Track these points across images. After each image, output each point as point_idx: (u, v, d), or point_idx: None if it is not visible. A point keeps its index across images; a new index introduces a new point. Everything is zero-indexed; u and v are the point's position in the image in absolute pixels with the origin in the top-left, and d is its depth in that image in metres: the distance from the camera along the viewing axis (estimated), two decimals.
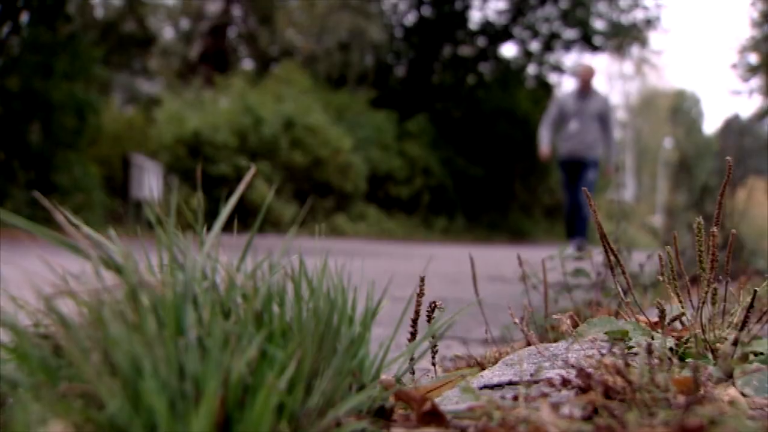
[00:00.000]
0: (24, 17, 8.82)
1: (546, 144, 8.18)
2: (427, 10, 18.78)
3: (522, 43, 19.19)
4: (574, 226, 8.24)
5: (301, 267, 0.60)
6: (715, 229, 0.98)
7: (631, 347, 0.90)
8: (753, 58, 20.26)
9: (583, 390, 0.65)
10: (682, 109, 55.84)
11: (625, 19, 18.19)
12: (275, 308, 0.57)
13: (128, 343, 0.48)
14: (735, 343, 0.83)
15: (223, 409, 0.48)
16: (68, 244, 0.55)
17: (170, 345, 0.49)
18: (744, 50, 20.67)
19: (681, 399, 0.62)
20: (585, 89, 8.03)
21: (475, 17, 19.27)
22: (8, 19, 8.70)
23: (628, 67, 48.79)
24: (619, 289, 1.42)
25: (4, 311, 0.54)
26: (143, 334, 0.49)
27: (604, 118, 8.06)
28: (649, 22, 18.28)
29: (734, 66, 21.14)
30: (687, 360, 0.83)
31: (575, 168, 8.07)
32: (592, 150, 7.95)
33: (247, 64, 19.14)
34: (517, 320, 1.13)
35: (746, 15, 20.05)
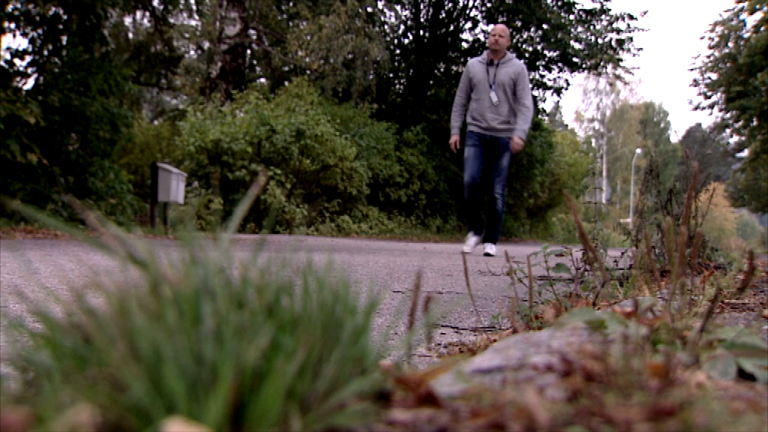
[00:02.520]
0: (63, 39, 8.83)
1: (456, 132, 6.41)
2: (423, 32, 18.80)
3: None
4: (489, 222, 6.51)
5: (309, 263, 0.59)
6: (683, 228, 0.97)
7: (608, 335, 0.89)
8: (713, 76, 20.27)
9: (566, 374, 0.64)
10: (651, 121, 55.90)
11: (601, 41, 18.21)
12: (285, 301, 0.56)
13: (151, 332, 0.47)
14: (701, 330, 0.82)
15: (238, 393, 0.47)
16: (97, 243, 0.54)
17: (189, 334, 0.48)
18: (705, 69, 20.68)
19: (654, 382, 0.61)
20: (497, 55, 6.18)
21: (466, 38, 19.29)
22: (49, 42, 8.71)
23: (603, 83, 48.84)
24: (597, 283, 1.41)
25: (39, 303, 0.53)
26: (165, 324, 0.48)
27: (517, 86, 6.16)
28: (622, 43, 18.30)
29: (695, 83, 21.17)
30: (659, 347, 0.82)
31: (488, 148, 6.27)
32: (509, 125, 6.18)
33: (262, 81, 19.17)
34: (504, 310, 1.12)
35: (706, 37, 20.08)
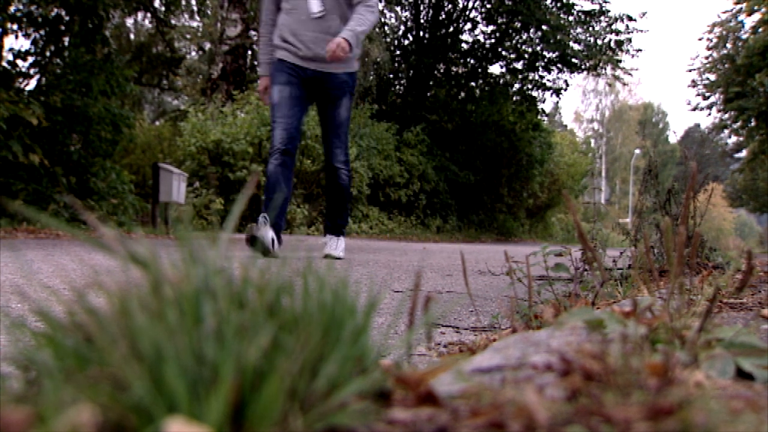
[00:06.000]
0: (65, 40, 8.84)
1: (266, 71, 4.01)
2: (423, 33, 18.81)
3: (508, 63, 19.19)
4: (330, 205, 4.19)
5: (309, 262, 0.59)
6: (681, 228, 0.97)
7: (607, 334, 0.89)
8: (711, 77, 20.30)
9: (565, 374, 0.64)
10: (650, 121, 55.92)
11: (600, 42, 18.22)
12: (285, 301, 0.56)
13: (152, 331, 0.47)
14: (700, 330, 0.82)
15: (238, 392, 0.47)
16: (99, 243, 0.54)
17: (190, 333, 0.48)
18: (703, 70, 20.70)
19: (653, 382, 0.61)
20: None
21: (465, 39, 19.30)
22: (52, 43, 8.72)
23: (602, 84, 48.85)
24: (596, 283, 1.41)
25: (41, 303, 0.53)
26: (166, 324, 0.48)
27: None
28: (621, 44, 18.31)
29: (694, 84, 21.22)
30: (657, 346, 0.82)
31: (312, 89, 3.92)
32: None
33: None
34: (504, 310, 1.11)
35: (704, 38, 20.10)
